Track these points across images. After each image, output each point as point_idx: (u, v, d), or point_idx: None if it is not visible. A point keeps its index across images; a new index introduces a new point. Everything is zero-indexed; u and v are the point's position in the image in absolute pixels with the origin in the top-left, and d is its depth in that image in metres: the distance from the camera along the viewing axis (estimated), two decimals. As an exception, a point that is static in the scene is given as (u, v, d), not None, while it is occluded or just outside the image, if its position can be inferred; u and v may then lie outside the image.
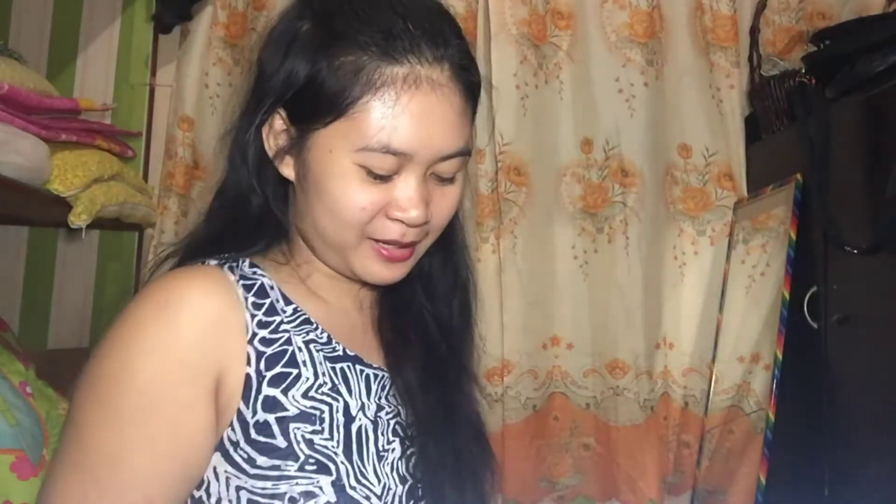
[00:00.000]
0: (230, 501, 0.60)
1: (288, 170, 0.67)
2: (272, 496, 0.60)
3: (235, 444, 0.60)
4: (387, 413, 0.68)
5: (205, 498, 0.61)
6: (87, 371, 0.60)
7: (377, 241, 0.66)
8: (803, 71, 1.22)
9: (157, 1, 1.55)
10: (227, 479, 0.61)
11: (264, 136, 0.67)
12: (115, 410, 0.58)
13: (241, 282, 0.65)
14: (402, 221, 0.64)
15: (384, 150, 0.62)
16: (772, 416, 1.13)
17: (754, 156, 1.45)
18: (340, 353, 0.68)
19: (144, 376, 0.58)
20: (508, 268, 1.44)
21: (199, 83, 1.51)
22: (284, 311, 0.66)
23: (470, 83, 0.66)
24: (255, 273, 0.67)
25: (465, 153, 0.67)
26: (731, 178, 1.46)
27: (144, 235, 1.55)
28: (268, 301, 0.66)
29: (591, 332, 1.45)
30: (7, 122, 0.99)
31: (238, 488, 0.60)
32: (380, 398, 0.68)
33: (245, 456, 0.60)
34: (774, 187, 1.30)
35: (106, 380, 0.59)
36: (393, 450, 0.67)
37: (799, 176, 1.22)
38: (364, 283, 0.72)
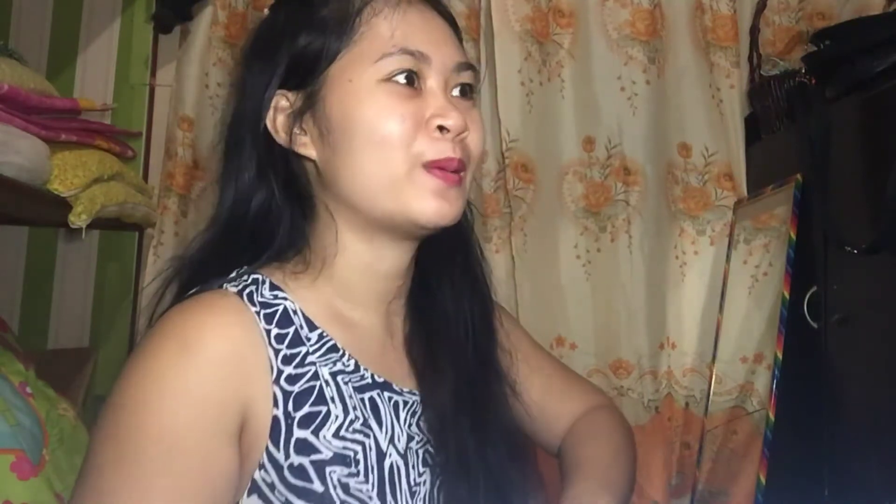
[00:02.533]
0: None
1: (307, 148, 0.66)
2: None
3: (272, 487, 0.59)
4: (416, 442, 0.67)
5: None
6: (106, 414, 0.57)
7: (429, 165, 0.64)
8: (803, 71, 1.22)
9: (157, 1, 1.55)
10: None
11: (270, 128, 0.67)
12: (136, 461, 0.55)
13: (263, 311, 0.63)
14: (447, 129, 0.64)
15: (402, 51, 0.64)
16: (772, 417, 1.13)
17: (754, 156, 1.45)
18: (369, 380, 0.66)
19: (165, 426, 0.55)
20: (519, 266, 1.43)
21: (199, 83, 1.51)
22: (309, 339, 0.64)
23: (450, 14, 0.72)
24: (275, 297, 0.65)
25: (474, 69, 0.69)
26: (731, 178, 1.45)
27: (144, 235, 1.55)
28: (291, 329, 0.64)
29: (594, 332, 1.44)
30: (7, 122, 0.99)
31: None
32: (409, 425, 0.67)
33: (283, 499, 0.59)
34: (774, 187, 1.30)
35: (125, 429, 0.56)
36: (424, 482, 0.66)
37: (799, 176, 1.22)
38: (395, 280, 0.70)
